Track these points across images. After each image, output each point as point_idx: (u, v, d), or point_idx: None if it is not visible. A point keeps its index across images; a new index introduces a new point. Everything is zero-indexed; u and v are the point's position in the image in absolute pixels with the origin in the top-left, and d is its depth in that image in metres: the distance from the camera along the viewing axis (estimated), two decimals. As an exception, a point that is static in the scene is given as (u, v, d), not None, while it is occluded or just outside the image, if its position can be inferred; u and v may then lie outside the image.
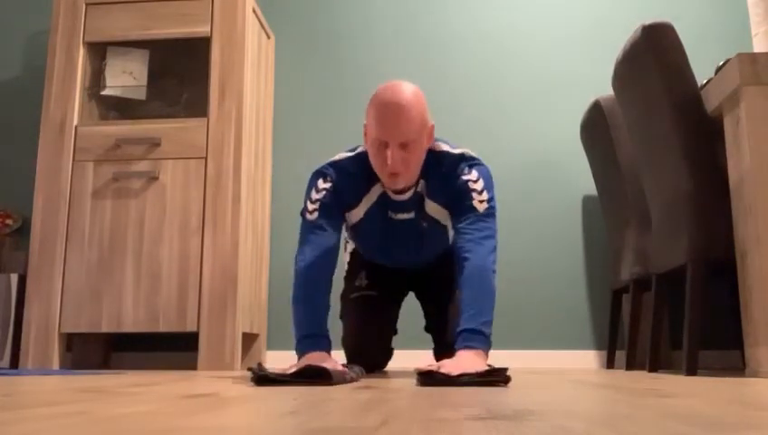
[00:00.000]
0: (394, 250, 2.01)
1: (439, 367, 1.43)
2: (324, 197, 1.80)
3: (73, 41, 2.92)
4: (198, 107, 3.08)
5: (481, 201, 1.75)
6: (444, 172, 1.80)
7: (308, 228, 1.79)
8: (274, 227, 3.19)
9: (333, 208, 1.81)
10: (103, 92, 3.01)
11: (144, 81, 3.04)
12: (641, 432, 0.56)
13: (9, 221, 3.18)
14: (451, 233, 1.97)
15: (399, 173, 1.70)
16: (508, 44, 3.28)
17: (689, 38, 3.18)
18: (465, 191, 1.76)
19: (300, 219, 1.84)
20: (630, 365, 2.49)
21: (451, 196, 1.79)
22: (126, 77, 3.03)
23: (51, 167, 2.80)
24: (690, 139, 1.96)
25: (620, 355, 2.90)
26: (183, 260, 2.68)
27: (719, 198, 1.93)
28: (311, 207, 1.80)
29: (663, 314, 2.22)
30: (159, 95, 3.12)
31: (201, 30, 2.88)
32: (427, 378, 1.40)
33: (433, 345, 2.21)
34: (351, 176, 1.83)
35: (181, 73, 3.16)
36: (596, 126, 2.67)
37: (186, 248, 2.69)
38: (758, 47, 2.18)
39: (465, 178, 1.77)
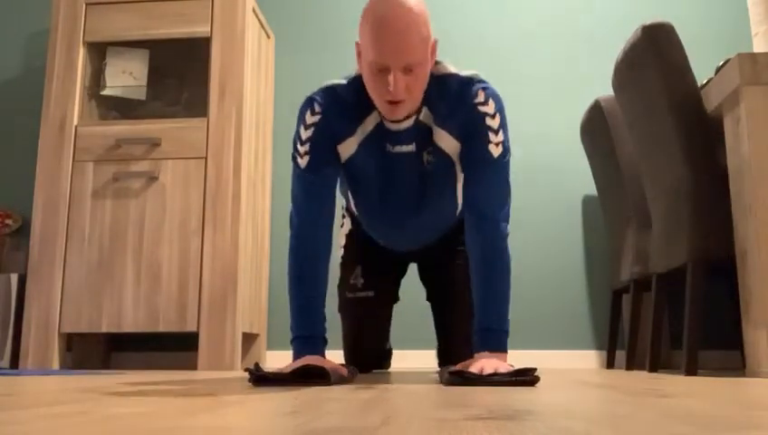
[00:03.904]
0: (393, 199, 1.75)
1: (468, 366, 1.42)
2: (314, 134, 1.61)
3: (73, 41, 2.92)
4: (198, 107, 3.08)
5: (497, 144, 1.57)
6: (453, 97, 1.59)
7: (300, 181, 1.62)
8: (274, 227, 3.19)
9: (325, 147, 1.62)
10: (103, 92, 3.01)
11: (144, 81, 3.04)
12: (641, 432, 0.56)
13: (9, 221, 3.18)
14: (460, 177, 1.76)
15: (402, 101, 1.49)
16: (508, 46, 3.28)
17: (689, 38, 3.18)
18: (480, 127, 1.57)
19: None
20: (630, 365, 2.49)
21: (464, 126, 1.59)
22: (126, 77, 3.03)
23: (51, 167, 2.80)
24: (690, 139, 1.96)
25: (620, 355, 2.90)
26: (183, 260, 2.68)
27: (719, 198, 1.93)
28: (301, 149, 1.62)
29: (663, 314, 2.22)
30: (159, 95, 3.12)
31: (201, 30, 2.88)
32: (457, 377, 1.37)
33: (435, 345, 2.19)
34: (344, 104, 1.61)
35: (181, 73, 3.16)
36: (596, 126, 2.67)
37: (186, 248, 2.69)
38: (758, 47, 2.18)
39: (480, 108, 1.57)
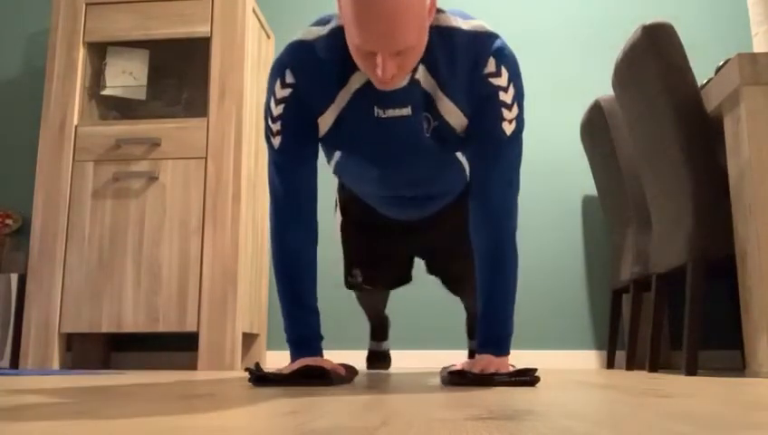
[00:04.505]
0: (388, 171, 1.53)
1: (469, 366, 1.40)
2: (285, 110, 1.41)
3: (73, 41, 2.92)
4: (198, 107, 3.08)
5: (510, 120, 1.39)
6: (458, 58, 1.36)
7: (276, 166, 1.46)
8: (274, 227, 3.19)
9: (301, 123, 1.42)
10: (103, 92, 3.01)
11: (144, 81, 3.04)
12: (641, 432, 0.56)
13: (9, 221, 3.18)
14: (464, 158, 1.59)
15: (393, 79, 1.28)
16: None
17: (689, 38, 3.17)
18: (492, 103, 1.38)
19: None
20: (630, 365, 2.49)
21: (473, 99, 1.39)
22: (126, 77, 3.03)
23: (51, 167, 2.80)
24: (690, 139, 1.96)
25: (620, 355, 2.90)
26: (183, 260, 2.68)
27: (719, 198, 1.93)
28: (273, 127, 1.43)
29: (663, 314, 2.22)
30: (159, 95, 3.12)
31: (201, 30, 2.88)
32: (459, 377, 1.36)
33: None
34: (322, 65, 1.37)
35: (181, 73, 3.16)
36: (596, 126, 2.67)
37: (186, 248, 2.69)
38: (758, 47, 2.18)
39: (492, 81, 1.37)
